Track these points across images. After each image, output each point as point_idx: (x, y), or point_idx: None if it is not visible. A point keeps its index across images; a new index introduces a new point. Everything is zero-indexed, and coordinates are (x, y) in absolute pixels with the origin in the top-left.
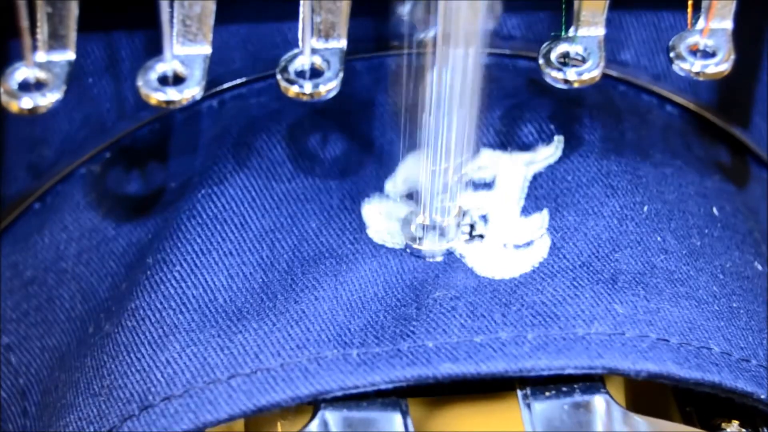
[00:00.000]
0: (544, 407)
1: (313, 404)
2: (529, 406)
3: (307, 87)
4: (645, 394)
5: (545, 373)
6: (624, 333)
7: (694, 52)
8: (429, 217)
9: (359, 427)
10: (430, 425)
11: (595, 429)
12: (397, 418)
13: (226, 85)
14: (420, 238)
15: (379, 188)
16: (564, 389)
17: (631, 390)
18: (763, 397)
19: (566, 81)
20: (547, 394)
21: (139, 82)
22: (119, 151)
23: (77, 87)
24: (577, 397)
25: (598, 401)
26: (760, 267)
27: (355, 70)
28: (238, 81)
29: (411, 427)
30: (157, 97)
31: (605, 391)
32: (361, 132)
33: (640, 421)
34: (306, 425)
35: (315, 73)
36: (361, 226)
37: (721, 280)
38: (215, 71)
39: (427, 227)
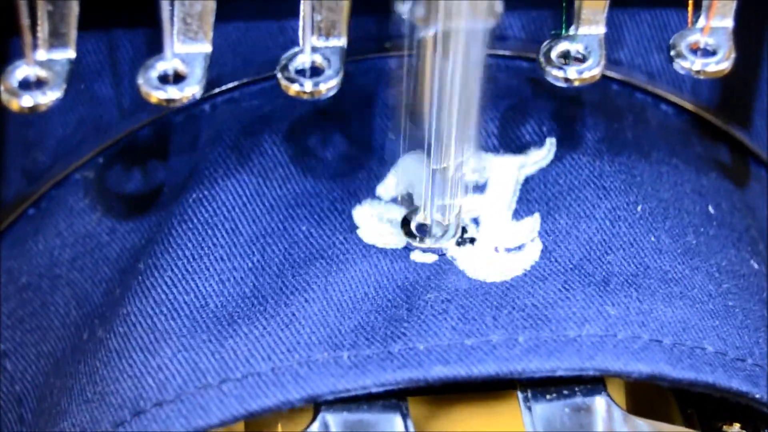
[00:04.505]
0: (545, 409)
1: (314, 406)
2: (530, 408)
3: (308, 85)
4: (646, 397)
5: (537, 375)
6: (616, 334)
7: (695, 50)
8: (429, 216)
9: (360, 429)
10: (430, 425)
11: (595, 431)
12: (397, 420)
13: (217, 90)
14: (419, 238)
15: (371, 191)
16: (565, 391)
17: (632, 392)
18: (758, 396)
19: (567, 80)
20: (548, 396)
21: (140, 81)
22: (112, 157)
23: (71, 91)
24: (578, 400)
25: (599, 403)
26: (756, 265)
27: (348, 73)
28: (231, 85)
29: (411, 429)
30: (157, 95)
31: (606, 393)
32: (353, 135)
33: (641, 423)
34: (307, 427)
35: (315, 71)
36: (352, 228)
37: (716, 278)
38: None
39: (426, 226)
